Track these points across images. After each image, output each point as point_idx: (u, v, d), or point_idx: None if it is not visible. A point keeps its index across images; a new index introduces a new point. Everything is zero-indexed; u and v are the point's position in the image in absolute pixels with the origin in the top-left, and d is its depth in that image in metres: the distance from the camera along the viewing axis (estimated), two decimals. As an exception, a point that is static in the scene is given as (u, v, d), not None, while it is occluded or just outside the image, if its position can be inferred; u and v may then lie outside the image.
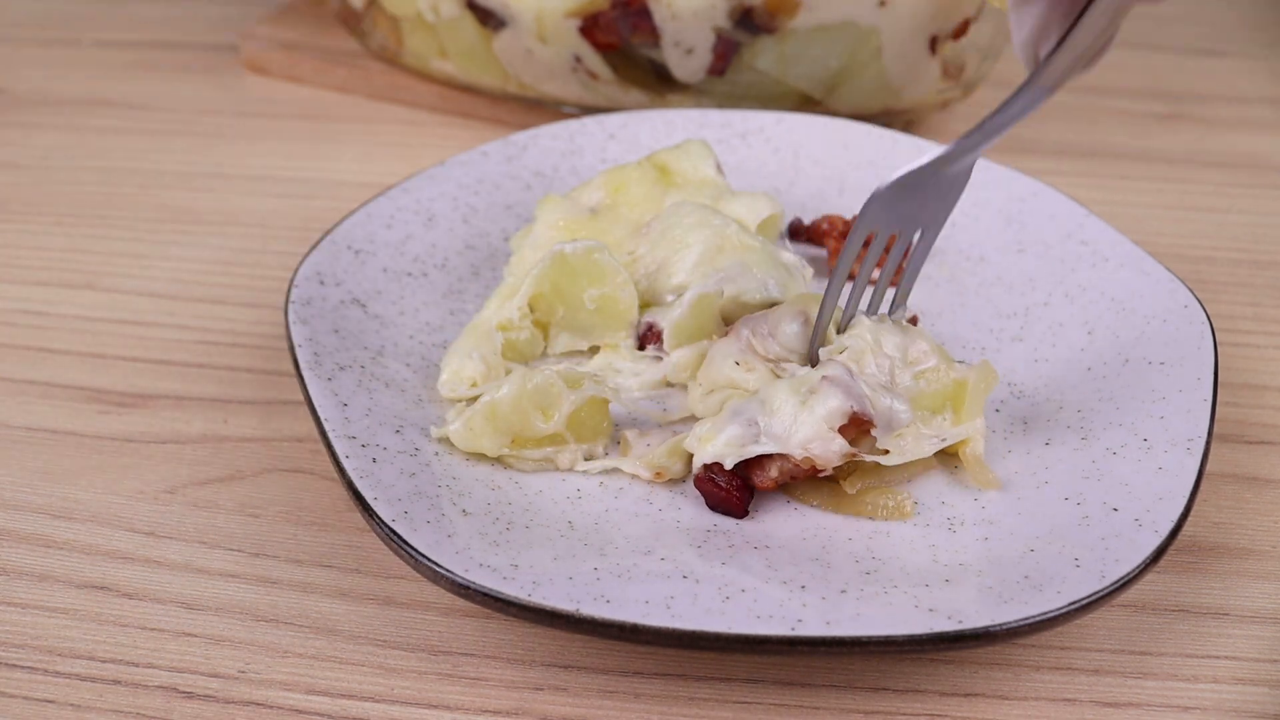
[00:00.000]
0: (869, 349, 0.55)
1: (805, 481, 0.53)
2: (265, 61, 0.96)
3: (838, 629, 0.44)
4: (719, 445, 0.52)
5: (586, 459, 0.55)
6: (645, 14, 0.77)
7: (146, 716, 0.47)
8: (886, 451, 0.53)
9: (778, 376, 0.55)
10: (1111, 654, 0.50)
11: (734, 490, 0.52)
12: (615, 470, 0.55)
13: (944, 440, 0.54)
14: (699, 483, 0.53)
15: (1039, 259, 0.66)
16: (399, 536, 0.47)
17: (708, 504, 0.53)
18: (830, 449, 0.51)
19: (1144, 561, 0.46)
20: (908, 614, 0.45)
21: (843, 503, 0.53)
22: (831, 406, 0.51)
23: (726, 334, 0.58)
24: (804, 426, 0.51)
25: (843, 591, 0.47)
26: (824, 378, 0.52)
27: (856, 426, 0.52)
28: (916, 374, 0.54)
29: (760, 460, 0.52)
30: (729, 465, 0.52)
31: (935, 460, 0.55)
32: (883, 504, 0.52)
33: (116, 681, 0.48)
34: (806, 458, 0.51)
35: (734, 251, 0.61)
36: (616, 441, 0.56)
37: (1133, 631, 0.51)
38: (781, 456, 0.52)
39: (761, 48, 0.79)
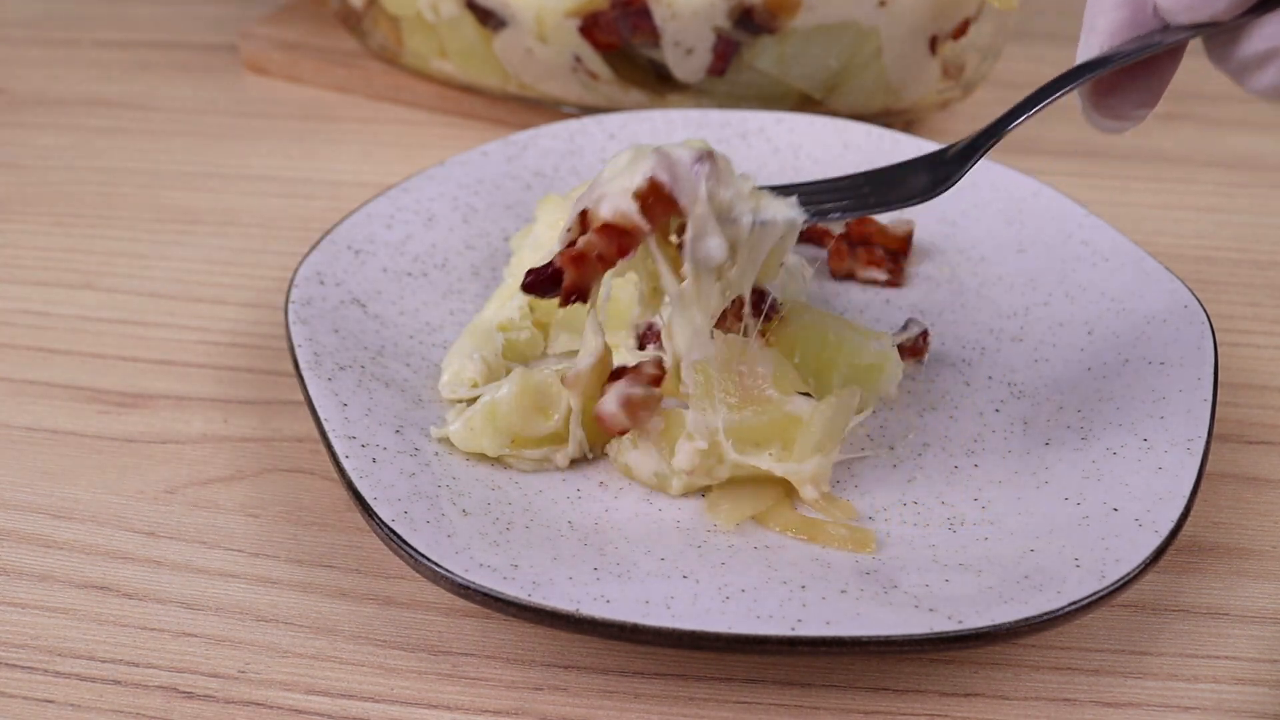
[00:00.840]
0: (738, 175, 0.51)
1: (771, 510, 0.52)
2: (265, 61, 0.96)
3: (838, 629, 0.44)
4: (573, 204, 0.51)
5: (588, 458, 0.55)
6: (645, 14, 0.77)
7: (146, 716, 0.47)
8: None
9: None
10: (1111, 654, 0.50)
11: (554, 272, 0.50)
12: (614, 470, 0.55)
13: (764, 468, 0.52)
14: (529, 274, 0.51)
15: (1039, 259, 0.66)
16: (399, 536, 0.47)
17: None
18: (619, 206, 0.49)
19: (1144, 561, 0.46)
20: (908, 614, 0.45)
21: (810, 532, 0.51)
22: (642, 171, 0.49)
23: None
24: (613, 183, 0.49)
25: (843, 591, 0.47)
26: (658, 148, 0.50)
27: (661, 204, 0.49)
28: (744, 399, 0.52)
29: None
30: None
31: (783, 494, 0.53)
32: (840, 535, 0.51)
33: (116, 681, 0.48)
34: (593, 211, 0.49)
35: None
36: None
37: (1133, 631, 0.51)
38: (585, 219, 0.50)
39: (761, 48, 0.79)
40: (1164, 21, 0.46)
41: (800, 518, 0.52)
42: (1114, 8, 0.46)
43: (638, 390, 0.52)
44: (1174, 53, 0.47)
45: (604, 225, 0.49)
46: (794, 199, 0.52)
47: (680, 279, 0.50)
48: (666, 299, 0.52)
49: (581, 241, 0.50)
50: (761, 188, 0.52)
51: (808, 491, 0.52)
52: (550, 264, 0.49)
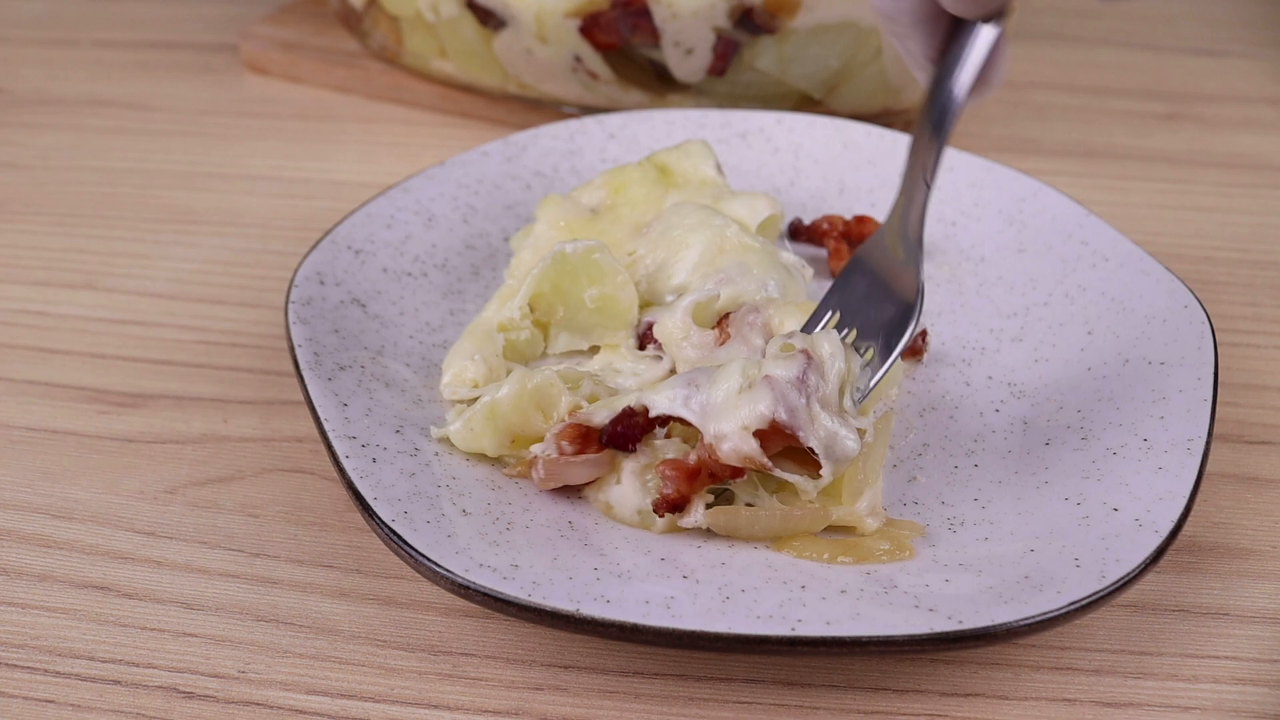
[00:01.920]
0: (835, 358, 0.52)
1: (799, 536, 0.51)
2: (265, 61, 0.96)
3: (838, 629, 0.44)
4: (661, 397, 0.51)
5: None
6: (645, 14, 0.77)
7: (146, 716, 0.47)
8: (818, 476, 0.50)
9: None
10: (1111, 654, 0.50)
11: (625, 433, 0.51)
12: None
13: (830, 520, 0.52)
14: (626, 413, 0.52)
15: (1039, 259, 0.66)
16: (399, 536, 0.47)
17: (609, 438, 0.52)
18: (734, 448, 0.49)
19: (1144, 561, 0.46)
20: (908, 614, 0.45)
21: (852, 554, 0.50)
22: (759, 408, 0.49)
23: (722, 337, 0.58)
24: (727, 417, 0.50)
25: (843, 591, 0.47)
26: (766, 376, 0.50)
27: (777, 436, 0.50)
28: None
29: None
30: (653, 414, 0.51)
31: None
32: (880, 549, 0.50)
33: (116, 681, 0.48)
34: (710, 447, 0.50)
35: (734, 252, 0.61)
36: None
37: (1133, 631, 0.51)
38: (701, 440, 0.50)
39: (761, 48, 0.79)
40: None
41: (831, 542, 0.50)
42: (912, 25, 0.48)
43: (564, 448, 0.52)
44: None
45: (736, 468, 0.50)
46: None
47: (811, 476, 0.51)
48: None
49: (697, 466, 0.50)
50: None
51: (869, 524, 0.51)
52: (669, 491, 0.50)
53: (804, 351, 0.51)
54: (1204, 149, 0.87)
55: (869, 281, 0.55)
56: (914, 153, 0.51)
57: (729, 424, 0.49)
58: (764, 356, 0.52)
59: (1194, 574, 0.53)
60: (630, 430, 0.51)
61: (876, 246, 0.55)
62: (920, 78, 0.50)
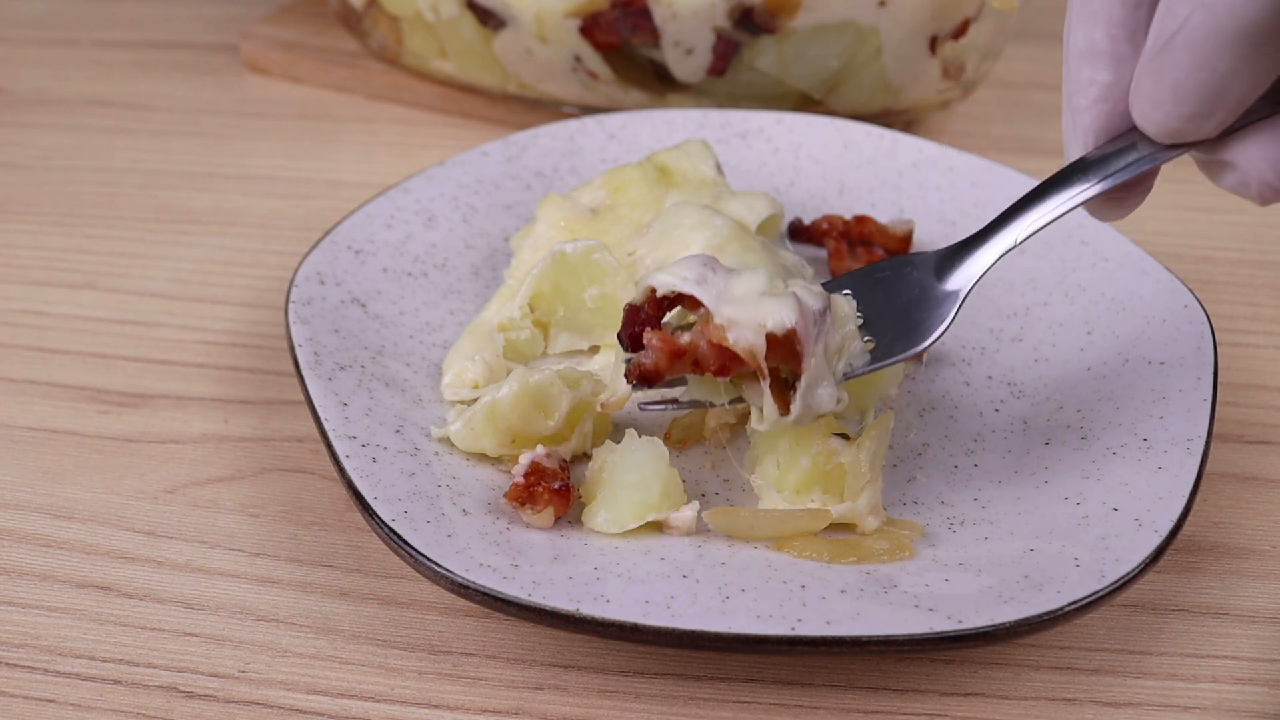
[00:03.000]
0: (848, 320, 0.51)
1: (799, 536, 0.51)
2: (265, 61, 0.96)
3: (838, 629, 0.44)
4: (670, 274, 0.50)
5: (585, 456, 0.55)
6: (645, 14, 0.77)
7: (147, 716, 0.47)
8: (784, 414, 0.49)
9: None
10: (1111, 654, 0.50)
11: (641, 325, 0.50)
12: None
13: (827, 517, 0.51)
14: (628, 307, 0.51)
15: (1039, 259, 0.66)
16: (399, 536, 0.47)
17: (628, 341, 0.51)
18: (748, 340, 0.48)
19: (1144, 561, 0.46)
20: (908, 614, 0.45)
21: (851, 554, 0.50)
22: (783, 313, 0.48)
23: None
24: (745, 307, 0.49)
25: (843, 591, 0.47)
26: (794, 292, 0.49)
27: (785, 349, 0.49)
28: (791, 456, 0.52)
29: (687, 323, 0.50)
30: (660, 291, 0.49)
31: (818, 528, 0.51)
32: (879, 548, 0.50)
33: (117, 681, 0.48)
34: (719, 328, 0.48)
35: (734, 252, 0.61)
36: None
37: (1133, 631, 0.51)
38: (704, 319, 0.49)
39: (761, 48, 0.79)
40: None
41: (831, 542, 0.50)
42: (1096, 101, 0.46)
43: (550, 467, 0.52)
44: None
45: (722, 348, 0.49)
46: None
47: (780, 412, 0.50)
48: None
49: (686, 348, 0.49)
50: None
51: (869, 523, 0.51)
52: (646, 360, 0.49)
53: (824, 294, 0.50)
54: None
55: (894, 292, 0.54)
56: (1021, 206, 0.50)
57: (746, 314, 0.48)
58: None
59: (1194, 574, 0.53)
60: (643, 320, 0.50)
61: (919, 266, 0.54)
62: (1071, 150, 0.48)
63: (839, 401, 0.50)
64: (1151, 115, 0.42)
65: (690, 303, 0.50)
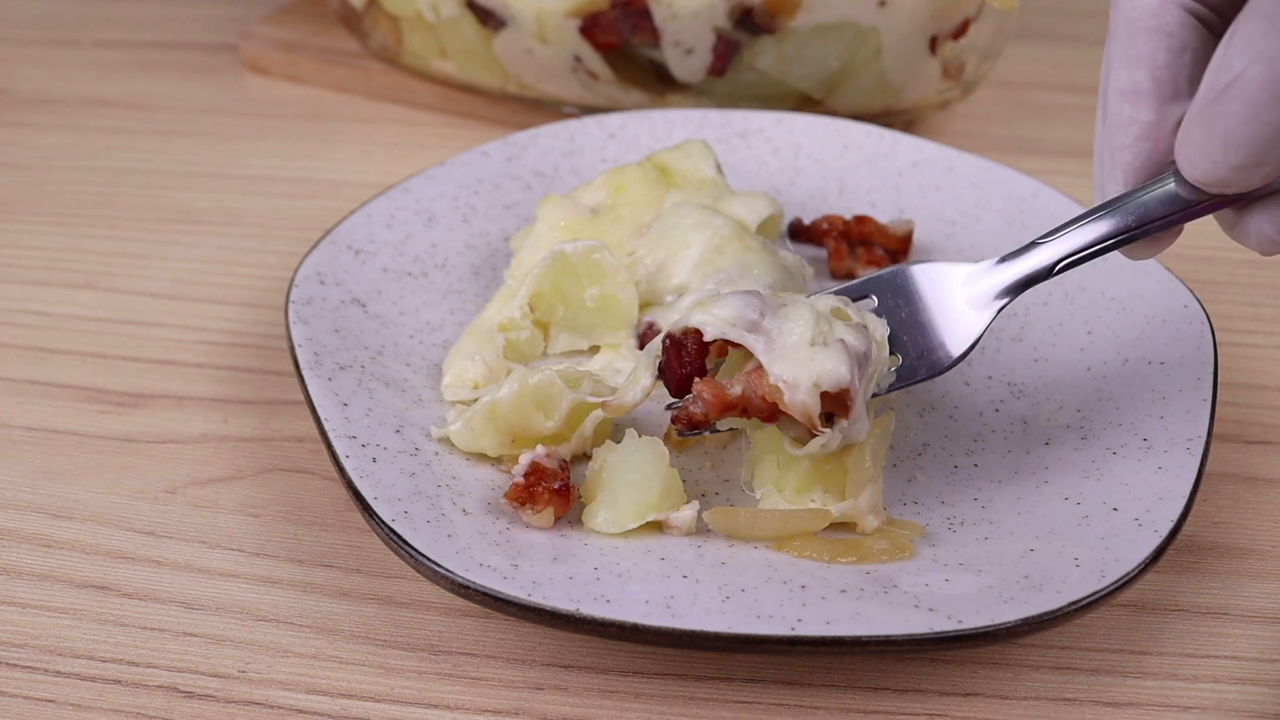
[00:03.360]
0: (883, 347, 0.51)
1: (799, 536, 0.51)
2: (265, 61, 0.96)
3: (838, 629, 0.44)
4: (713, 313, 0.49)
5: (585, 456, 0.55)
6: (645, 14, 0.77)
7: (147, 716, 0.47)
8: (809, 438, 0.49)
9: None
10: (1111, 654, 0.50)
11: (687, 367, 0.49)
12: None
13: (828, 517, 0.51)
14: (669, 338, 0.50)
15: (1039, 259, 0.66)
16: (399, 536, 0.47)
17: (660, 365, 0.51)
18: (802, 401, 0.48)
19: (1144, 561, 0.46)
20: (908, 614, 0.45)
21: (851, 553, 0.50)
22: (839, 371, 0.48)
23: None
24: (798, 365, 0.48)
25: (843, 591, 0.47)
26: (841, 340, 0.49)
27: (835, 403, 0.49)
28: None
29: (732, 370, 0.50)
30: (708, 336, 0.49)
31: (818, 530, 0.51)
32: (879, 548, 0.50)
33: (117, 681, 0.48)
34: (775, 389, 0.48)
35: (734, 252, 0.61)
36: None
37: (1133, 631, 0.51)
38: (755, 372, 0.49)
39: (761, 48, 0.79)
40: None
41: (831, 542, 0.50)
42: (1136, 140, 0.46)
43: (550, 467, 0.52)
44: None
45: (775, 410, 0.49)
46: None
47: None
48: None
49: (736, 400, 0.49)
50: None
51: (869, 522, 0.51)
52: (696, 411, 0.49)
53: (863, 327, 0.50)
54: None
55: (919, 306, 0.54)
56: (1059, 234, 0.50)
57: (803, 375, 0.48)
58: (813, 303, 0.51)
59: (1194, 574, 0.53)
60: (689, 363, 0.49)
61: (946, 276, 0.54)
62: (1108, 187, 0.48)
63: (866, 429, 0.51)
64: (1199, 164, 0.43)
65: (738, 347, 0.49)
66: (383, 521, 0.48)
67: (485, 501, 0.52)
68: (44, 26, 1.03)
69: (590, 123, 0.75)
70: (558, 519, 0.51)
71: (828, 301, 0.51)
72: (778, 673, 0.49)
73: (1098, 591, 0.45)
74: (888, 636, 0.44)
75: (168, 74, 0.96)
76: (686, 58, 0.80)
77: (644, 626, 0.44)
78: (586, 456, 0.55)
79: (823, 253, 0.69)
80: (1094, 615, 0.51)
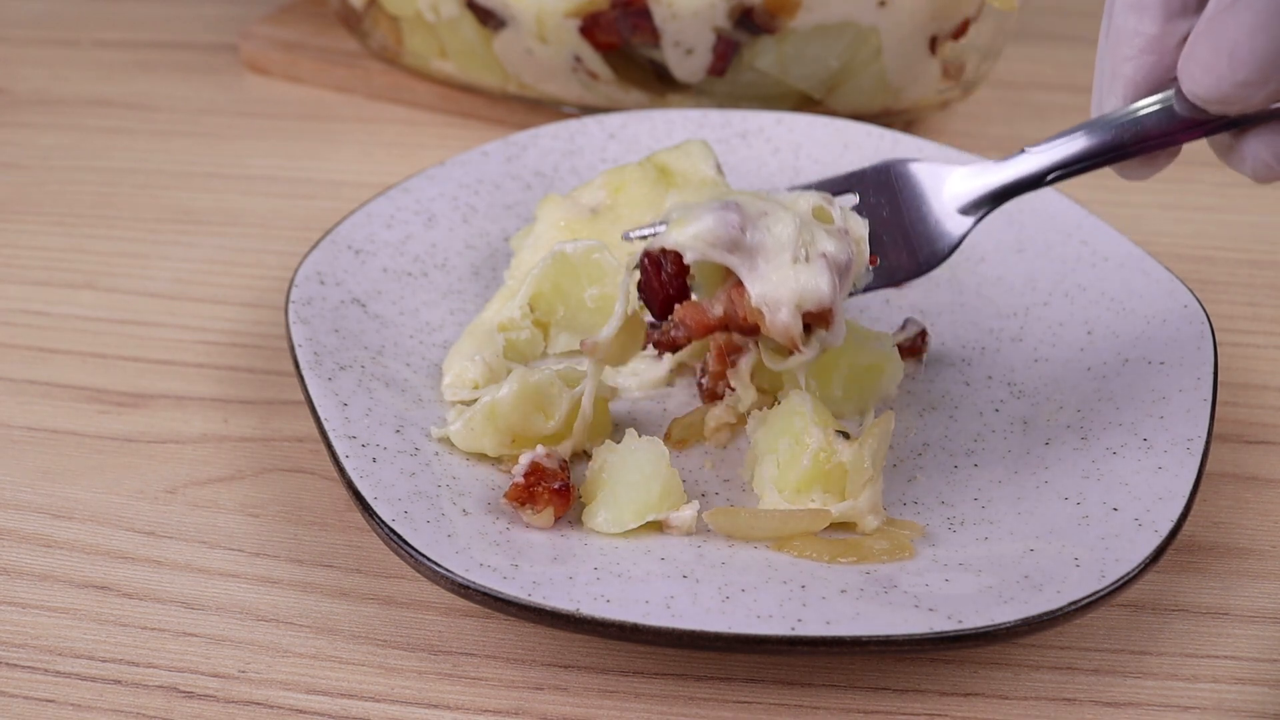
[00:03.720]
0: (863, 247, 0.50)
1: (799, 536, 0.50)
2: (265, 61, 0.96)
3: (838, 629, 0.44)
4: (687, 233, 0.48)
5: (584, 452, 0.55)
6: (645, 14, 0.77)
7: (147, 716, 0.47)
8: (792, 353, 0.48)
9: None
10: (1111, 654, 0.50)
11: (668, 289, 0.48)
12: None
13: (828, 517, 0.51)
14: (646, 257, 0.49)
15: (1039, 259, 0.66)
16: (399, 536, 0.47)
17: (639, 284, 0.49)
18: (784, 322, 0.47)
19: (1144, 561, 0.46)
20: (908, 614, 0.45)
21: (851, 553, 0.50)
22: (821, 290, 0.47)
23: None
24: (780, 285, 0.47)
25: (843, 591, 0.47)
26: (824, 254, 0.48)
27: (816, 318, 0.48)
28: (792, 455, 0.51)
29: (713, 287, 0.48)
30: (689, 259, 0.48)
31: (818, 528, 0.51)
32: (880, 548, 0.50)
33: (117, 681, 0.48)
34: (757, 311, 0.47)
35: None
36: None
37: (1133, 631, 0.51)
38: (736, 290, 0.47)
39: (761, 48, 0.79)
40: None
41: (831, 542, 0.50)
42: (1140, 53, 0.46)
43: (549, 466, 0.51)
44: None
45: (757, 327, 0.48)
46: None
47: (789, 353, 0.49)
48: None
49: (717, 322, 0.48)
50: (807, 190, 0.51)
51: (870, 522, 0.51)
52: (679, 335, 0.48)
53: (845, 231, 0.49)
54: (1204, 149, 0.87)
55: (902, 206, 0.52)
56: (1052, 144, 0.49)
57: (785, 295, 0.47)
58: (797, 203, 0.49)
59: (1194, 574, 0.53)
60: (669, 285, 0.48)
61: (934, 177, 0.52)
62: (1106, 100, 0.47)
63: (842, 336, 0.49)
64: (1203, 79, 0.42)
65: (733, 285, 0.48)
66: (383, 521, 0.48)
67: (485, 501, 0.52)
68: (44, 26, 1.03)
69: (590, 123, 0.75)
70: (558, 519, 0.51)
71: (810, 200, 0.50)
72: (778, 673, 0.49)
73: (1098, 591, 0.45)
74: (888, 636, 0.44)
75: (168, 74, 0.96)
76: (686, 58, 0.80)
77: (644, 626, 0.44)
78: (587, 455, 0.55)
79: (823, 253, 0.69)
80: (1094, 615, 0.51)
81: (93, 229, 0.77)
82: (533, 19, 0.79)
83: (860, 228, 0.50)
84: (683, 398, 0.60)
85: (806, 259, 0.48)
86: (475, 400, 0.55)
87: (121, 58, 0.98)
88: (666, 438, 0.56)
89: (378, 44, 0.90)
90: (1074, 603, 0.45)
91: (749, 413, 0.56)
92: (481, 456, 0.54)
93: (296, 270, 0.61)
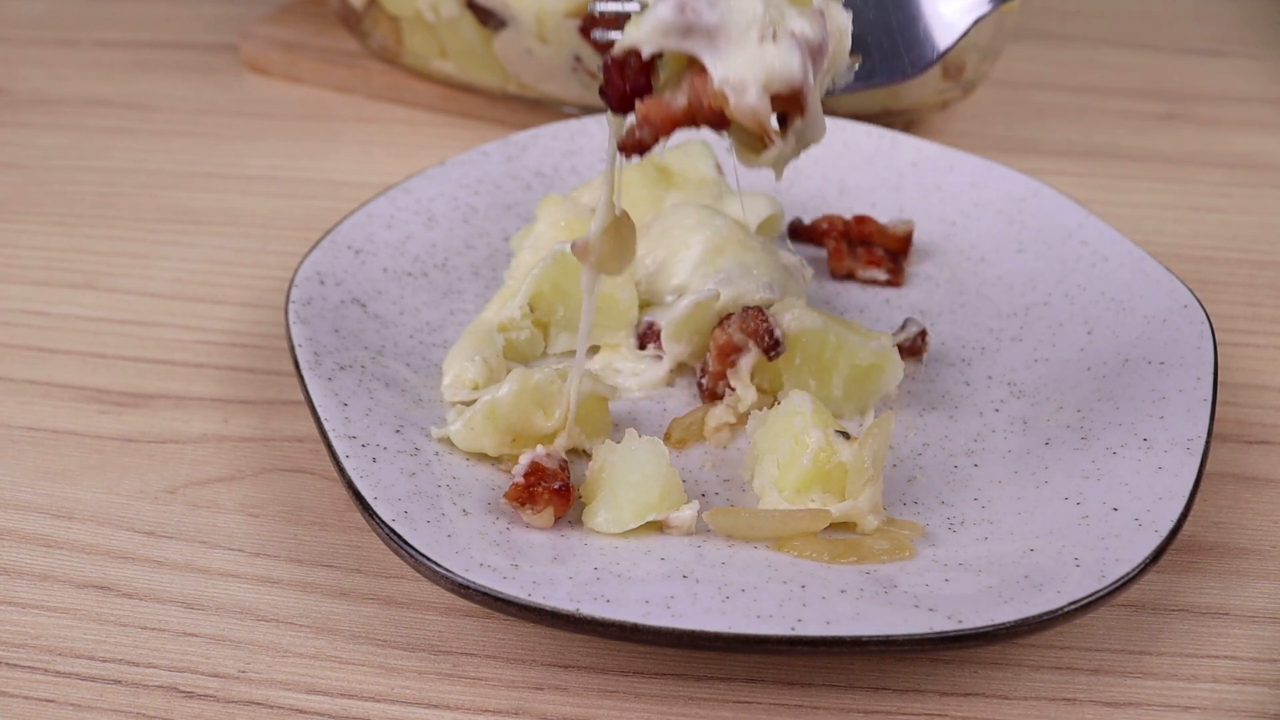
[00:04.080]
0: (844, 37, 0.46)
1: (799, 536, 0.50)
2: (265, 61, 0.96)
3: (838, 629, 0.44)
4: (643, 28, 0.44)
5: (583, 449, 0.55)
6: (645, 14, 0.77)
7: (147, 716, 0.47)
8: (766, 146, 0.45)
9: None
10: (1111, 654, 0.50)
11: (628, 85, 0.44)
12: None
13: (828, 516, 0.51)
14: (611, 60, 0.45)
15: (1039, 259, 0.66)
16: (399, 536, 0.47)
17: (599, 89, 0.46)
18: (751, 105, 0.43)
19: (1144, 561, 0.46)
20: (908, 614, 0.45)
21: (851, 553, 0.50)
22: (790, 68, 0.43)
23: None
24: (745, 65, 0.43)
25: (843, 591, 0.47)
26: (792, 32, 0.44)
27: (789, 103, 0.44)
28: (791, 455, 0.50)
29: (678, 79, 0.45)
30: (646, 53, 0.44)
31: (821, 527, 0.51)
32: (880, 548, 0.50)
33: (117, 681, 0.48)
34: (720, 94, 0.43)
35: (734, 252, 0.61)
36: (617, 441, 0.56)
37: (1133, 631, 0.51)
38: (699, 76, 0.44)
39: (761, 48, 0.79)
40: None
41: (831, 542, 0.50)
42: None
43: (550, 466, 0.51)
44: None
45: (723, 114, 0.44)
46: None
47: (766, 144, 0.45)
48: None
49: (682, 113, 0.44)
50: None
51: (870, 522, 0.51)
52: (645, 135, 0.44)
53: (820, 14, 0.45)
54: (1203, 149, 0.87)
55: (888, 6, 0.49)
56: None
57: (750, 75, 0.43)
58: None
59: (1194, 574, 0.53)
60: (631, 81, 0.44)
61: None
62: None
63: (823, 130, 0.46)
64: None
65: (694, 67, 0.44)
66: (383, 521, 0.48)
67: (485, 501, 0.52)
68: (44, 26, 1.04)
69: (590, 123, 0.75)
70: (558, 519, 0.51)
71: None
72: (778, 673, 0.49)
73: (1098, 591, 0.45)
74: (888, 636, 0.44)
75: (168, 74, 0.96)
76: (686, 58, 0.79)
77: (644, 626, 0.44)
78: (586, 455, 0.55)
79: (823, 253, 0.69)
80: (1094, 615, 0.51)
81: (93, 229, 0.77)
82: (533, 19, 0.79)
83: (842, 18, 0.46)
84: (683, 398, 0.60)
85: (774, 37, 0.44)
86: (475, 400, 0.55)
87: (121, 58, 0.98)
88: (666, 438, 0.56)
89: (378, 44, 0.90)
90: (1074, 603, 0.45)
91: (749, 413, 0.56)
92: (481, 456, 0.54)
93: (296, 270, 0.61)
